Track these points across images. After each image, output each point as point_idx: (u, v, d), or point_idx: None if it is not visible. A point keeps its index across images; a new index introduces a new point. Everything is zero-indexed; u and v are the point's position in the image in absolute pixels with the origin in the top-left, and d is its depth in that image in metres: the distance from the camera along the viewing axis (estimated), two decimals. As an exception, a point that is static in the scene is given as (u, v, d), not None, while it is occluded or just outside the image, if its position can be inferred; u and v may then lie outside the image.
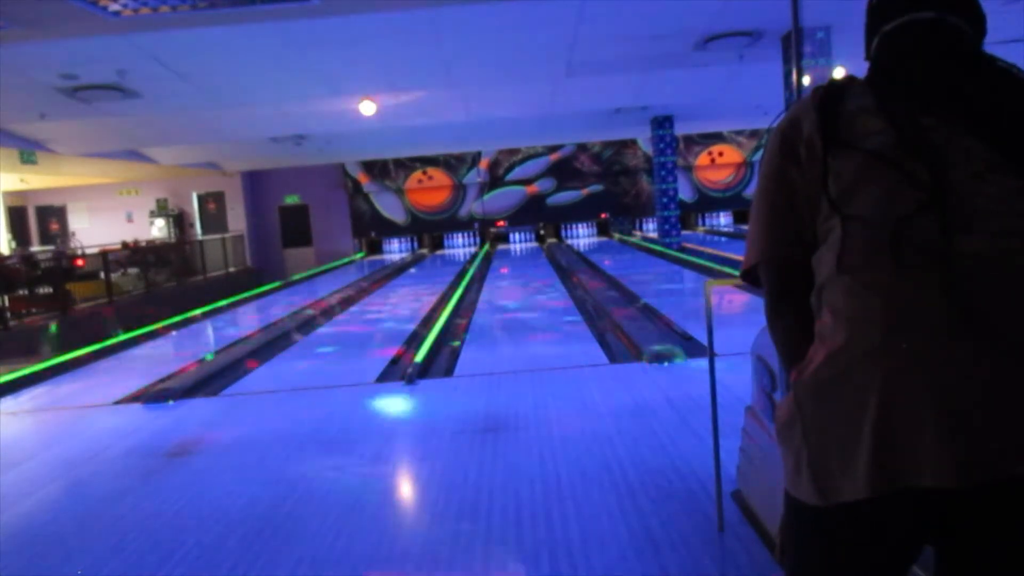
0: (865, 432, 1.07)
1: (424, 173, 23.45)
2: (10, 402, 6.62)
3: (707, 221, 24.62)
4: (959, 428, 1.03)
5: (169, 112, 11.13)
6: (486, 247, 22.74)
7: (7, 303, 10.96)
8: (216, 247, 18.82)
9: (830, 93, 1.22)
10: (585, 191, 23.56)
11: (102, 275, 12.87)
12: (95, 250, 14.11)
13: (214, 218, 21.64)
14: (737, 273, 2.04)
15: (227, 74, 9.40)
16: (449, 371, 6.60)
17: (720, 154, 24.11)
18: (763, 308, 1.29)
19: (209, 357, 8.20)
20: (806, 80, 8.82)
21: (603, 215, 23.75)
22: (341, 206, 23.36)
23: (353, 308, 11.85)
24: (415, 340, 8.11)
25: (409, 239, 24.13)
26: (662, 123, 17.08)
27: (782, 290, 1.25)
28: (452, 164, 23.32)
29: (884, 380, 1.06)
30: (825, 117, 1.18)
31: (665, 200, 17.80)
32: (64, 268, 12.64)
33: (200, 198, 21.72)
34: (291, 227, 22.89)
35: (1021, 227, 1.06)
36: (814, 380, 1.14)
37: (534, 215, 23.80)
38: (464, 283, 13.54)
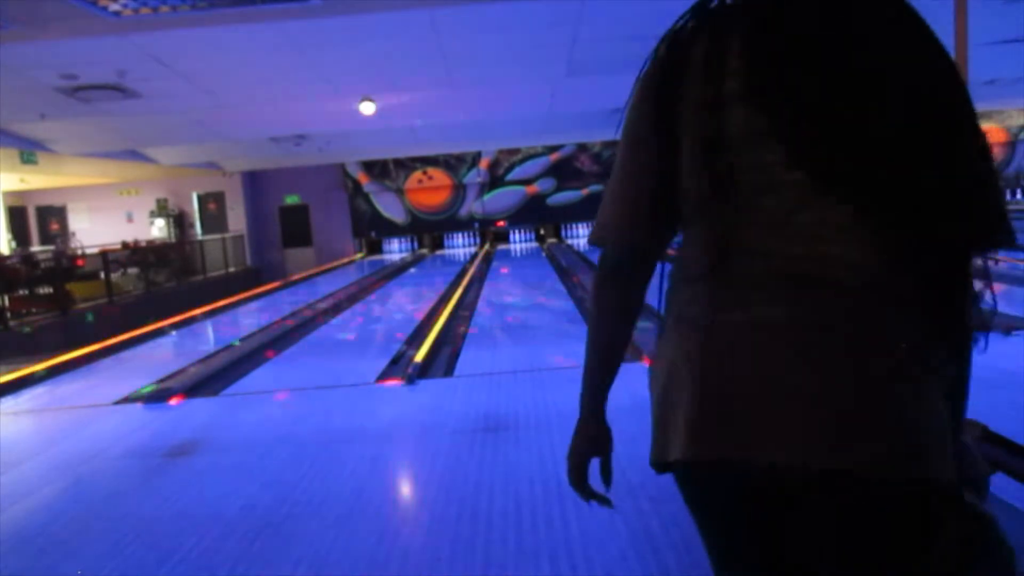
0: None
1: (424, 173, 23.45)
2: (10, 402, 6.61)
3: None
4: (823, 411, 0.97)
5: (169, 112, 11.12)
6: (486, 247, 22.74)
7: (7, 303, 10.96)
8: (216, 247, 18.83)
9: None
10: (585, 191, 23.54)
11: (102, 275, 12.87)
12: (95, 250, 14.11)
13: (214, 218, 21.64)
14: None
15: (227, 74, 9.40)
16: (449, 371, 6.60)
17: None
18: None
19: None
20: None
21: (603, 215, 23.74)
22: (341, 206, 23.36)
23: (353, 308, 11.85)
24: (415, 340, 8.11)
25: (409, 239, 24.13)
26: (662, 123, 17.06)
27: None
28: (452, 164, 23.31)
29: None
30: None
31: (665, 200, 17.77)
32: (64, 268, 12.64)
33: (200, 198, 21.72)
34: (291, 227, 22.88)
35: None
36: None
37: (534, 215, 23.79)
38: (464, 283, 13.54)
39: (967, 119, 0.99)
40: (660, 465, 1.12)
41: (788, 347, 0.98)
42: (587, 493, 1.24)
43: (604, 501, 1.25)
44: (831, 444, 0.95)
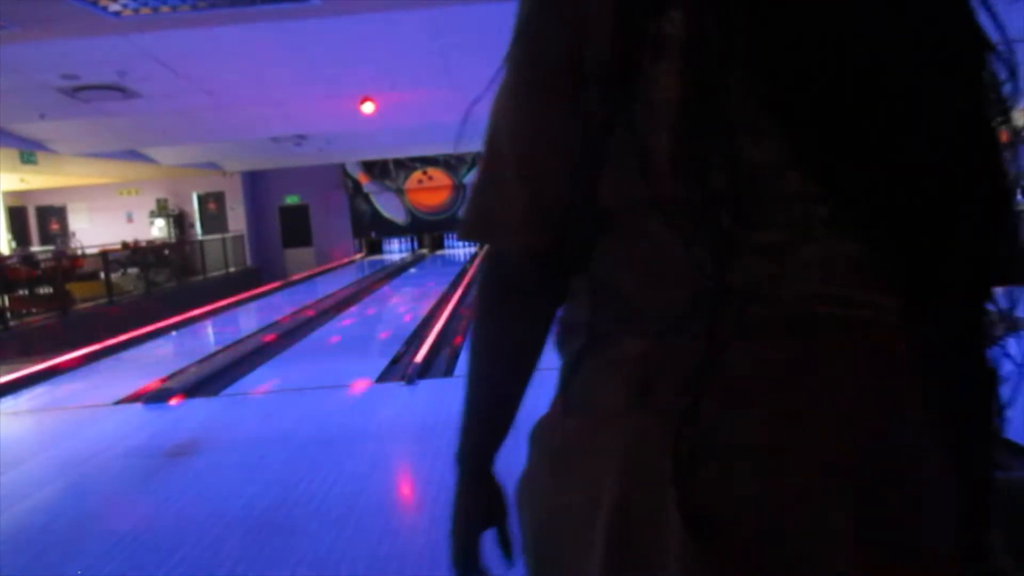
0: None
1: (424, 173, 23.45)
2: (10, 402, 6.61)
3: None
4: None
5: (169, 112, 11.13)
6: (487, 247, 22.71)
7: (7, 303, 10.97)
8: (216, 247, 18.83)
9: None
10: (585, 191, 23.53)
11: (102, 275, 12.87)
12: (95, 250, 14.12)
13: (214, 218, 21.63)
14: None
15: (227, 74, 9.40)
16: (449, 371, 6.60)
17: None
18: None
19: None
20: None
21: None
22: (341, 206, 23.36)
23: (353, 308, 11.85)
24: (415, 340, 8.11)
25: (409, 239, 24.13)
26: (662, 123, 17.08)
27: None
28: (452, 164, 23.31)
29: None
30: None
31: (665, 200, 17.80)
32: (64, 268, 12.65)
33: (200, 198, 21.72)
34: (291, 227, 22.89)
35: None
36: None
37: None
38: (464, 283, 13.54)
39: (994, 132, 0.73)
40: None
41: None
42: None
43: None
44: None
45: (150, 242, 17.70)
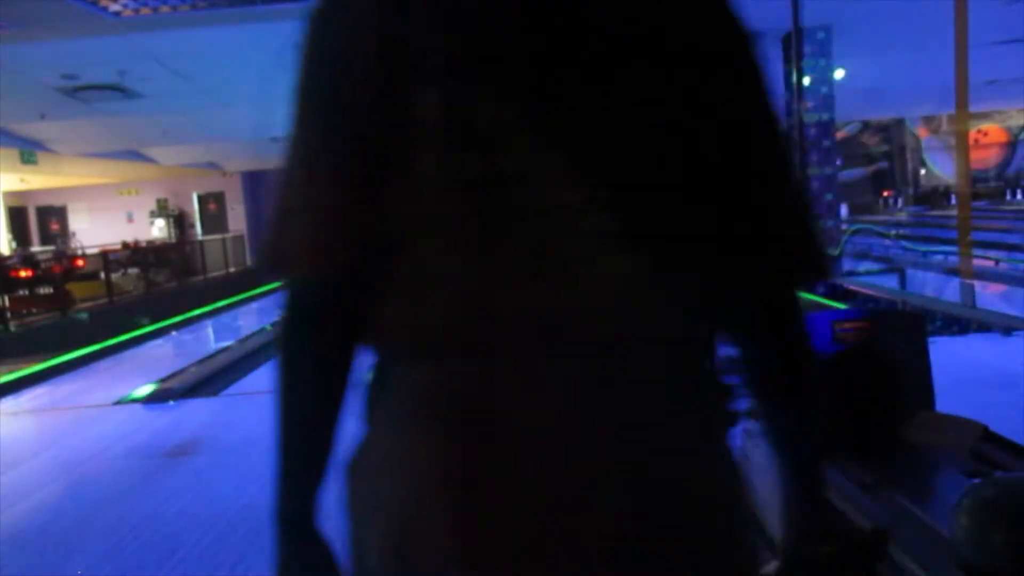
0: None
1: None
2: (10, 402, 6.61)
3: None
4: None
5: (169, 112, 11.13)
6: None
7: (7, 303, 10.97)
8: (216, 247, 18.82)
9: None
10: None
11: (102, 275, 12.88)
12: (95, 250, 14.12)
13: (214, 218, 21.64)
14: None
15: (227, 74, 9.40)
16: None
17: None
18: None
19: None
20: (806, 80, 8.82)
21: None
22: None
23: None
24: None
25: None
26: (662, 123, 17.07)
27: None
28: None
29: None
30: None
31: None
32: (64, 268, 12.65)
33: (200, 198, 21.72)
34: (291, 227, 22.87)
35: None
36: None
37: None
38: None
39: (766, 127, 0.73)
40: None
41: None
42: None
43: None
44: None
45: (150, 242, 17.71)
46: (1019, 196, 26.45)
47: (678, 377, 0.72)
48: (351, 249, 0.71)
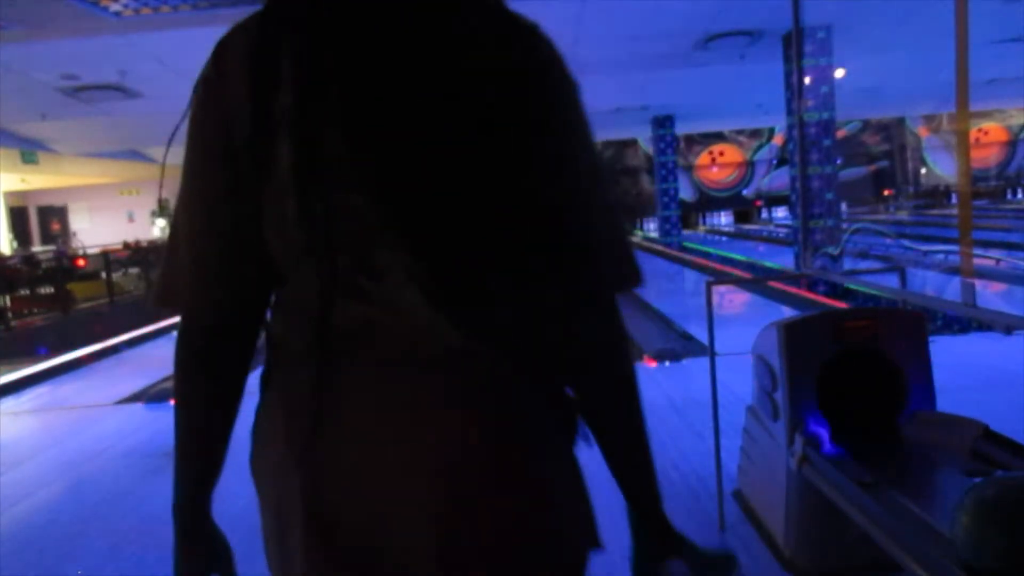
0: None
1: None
2: (11, 402, 6.62)
3: (708, 220, 24.60)
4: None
5: (170, 112, 11.14)
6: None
7: (8, 303, 10.98)
8: (217, 247, 18.82)
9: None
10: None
11: (103, 275, 12.88)
12: (96, 250, 14.12)
13: (215, 218, 21.64)
14: (734, 274, 1.88)
15: (228, 74, 9.41)
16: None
17: (721, 153, 24.15)
18: None
19: None
20: (807, 80, 8.82)
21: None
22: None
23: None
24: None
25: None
26: (662, 123, 17.08)
27: None
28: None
29: None
30: None
31: (666, 200, 17.81)
32: (65, 268, 12.66)
33: (201, 198, 21.73)
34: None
35: None
36: None
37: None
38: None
39: (572, 137, 0.83)
40: None
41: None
42: None
43: None
44: None
45: (151, 242, 17.71)
46: (1020, 195, 26.42)
47: (516, 389, 0.79)
48: (229, 283, 0.80)
